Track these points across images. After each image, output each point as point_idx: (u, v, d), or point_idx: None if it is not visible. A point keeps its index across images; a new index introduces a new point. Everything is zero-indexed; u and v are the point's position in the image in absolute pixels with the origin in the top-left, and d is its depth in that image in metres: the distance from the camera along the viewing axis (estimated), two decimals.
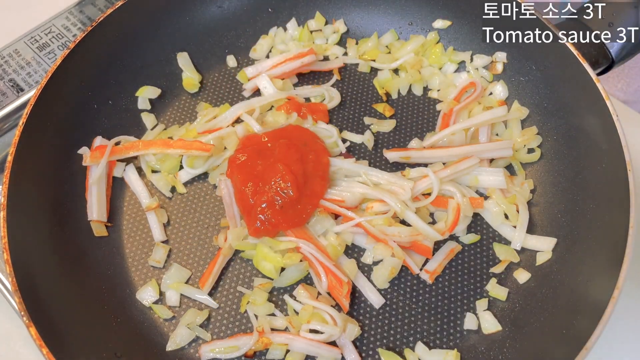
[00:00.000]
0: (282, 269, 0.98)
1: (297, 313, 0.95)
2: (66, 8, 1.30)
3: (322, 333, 0.91)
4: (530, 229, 1.03)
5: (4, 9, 1.43)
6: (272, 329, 0.94)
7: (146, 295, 0.98)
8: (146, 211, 1.06)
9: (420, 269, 1.00)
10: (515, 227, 1.03)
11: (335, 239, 0.99)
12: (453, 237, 1.04)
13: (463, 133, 1.09)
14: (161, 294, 0.99)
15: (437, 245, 1.02)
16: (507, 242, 1.03)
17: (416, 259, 1.00)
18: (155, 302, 0.98)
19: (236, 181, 1.02)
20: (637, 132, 1.19)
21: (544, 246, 1.01)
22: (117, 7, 1.12)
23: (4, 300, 1.05)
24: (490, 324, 0.95)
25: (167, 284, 0.99)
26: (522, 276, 1.00)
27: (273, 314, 0.96)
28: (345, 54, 1.27)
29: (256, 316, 0.95)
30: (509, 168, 1.11)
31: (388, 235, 0.98)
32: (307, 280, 0.99)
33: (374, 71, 1.25)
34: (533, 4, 1.09)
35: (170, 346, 0.93)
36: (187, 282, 1.00)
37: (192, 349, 0.94)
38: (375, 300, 0.97)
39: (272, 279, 0.98)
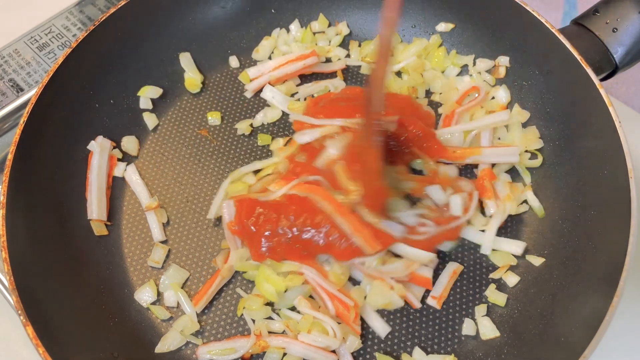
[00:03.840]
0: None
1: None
2: (66, 8, 1.30)
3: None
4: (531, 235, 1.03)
5: (4, 9, 1.43)
6: (270, 332, 0.94)
7: (144, 295, 0.98)
8: (146, 211, 1.06)
9: (427, 294, 0.98)
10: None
11: (340, 267, 0.97)
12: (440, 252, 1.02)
13: (462, 136, 1.09)
14: (159, 294, 0.99)
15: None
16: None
17: (415, 290, 0.98)
18: (153, 303, 0.98)
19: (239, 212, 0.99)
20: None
21: (513, 249, 1.01)
22: (119, 6, 1.11)
23: (3, 300, 1.05)
24: (488, 330, 0.95)
25: (165, 284, 0.99)
26: (511, 279, 1.00)
27: (270, 317, 0.96)
28: (348, 56, 1.27)
29: (253, 320, 0.95)
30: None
31: (384, 274, 0.95)
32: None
33: None
34: (537, 8, 1.08)
35: (159, 348, 0.93)
36: (185, 283, 1.00)
37: (189, 350, 0.94)
38: (381, 328, 0.95)
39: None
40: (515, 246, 1.02)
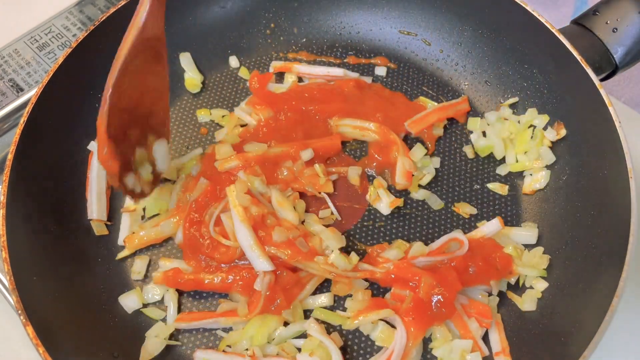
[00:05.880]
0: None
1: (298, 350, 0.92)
2: (66, 8, 1.30)
3: None
4: None
5: (4, 9, 1.43)
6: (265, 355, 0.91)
7: (130, 303, 0.97)
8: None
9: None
10: None
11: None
12: None
13: None
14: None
15: None
16: None
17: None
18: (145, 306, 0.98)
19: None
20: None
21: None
22: (119, 6, 1.11)
23: (3, 300, 1.05)
24: None
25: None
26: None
27: None
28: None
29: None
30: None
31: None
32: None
33: None
34: (536, 8, 1.08)
35: (144, 358, 0.92)
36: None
37: (189, 350, 0.94)
38: None
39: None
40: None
